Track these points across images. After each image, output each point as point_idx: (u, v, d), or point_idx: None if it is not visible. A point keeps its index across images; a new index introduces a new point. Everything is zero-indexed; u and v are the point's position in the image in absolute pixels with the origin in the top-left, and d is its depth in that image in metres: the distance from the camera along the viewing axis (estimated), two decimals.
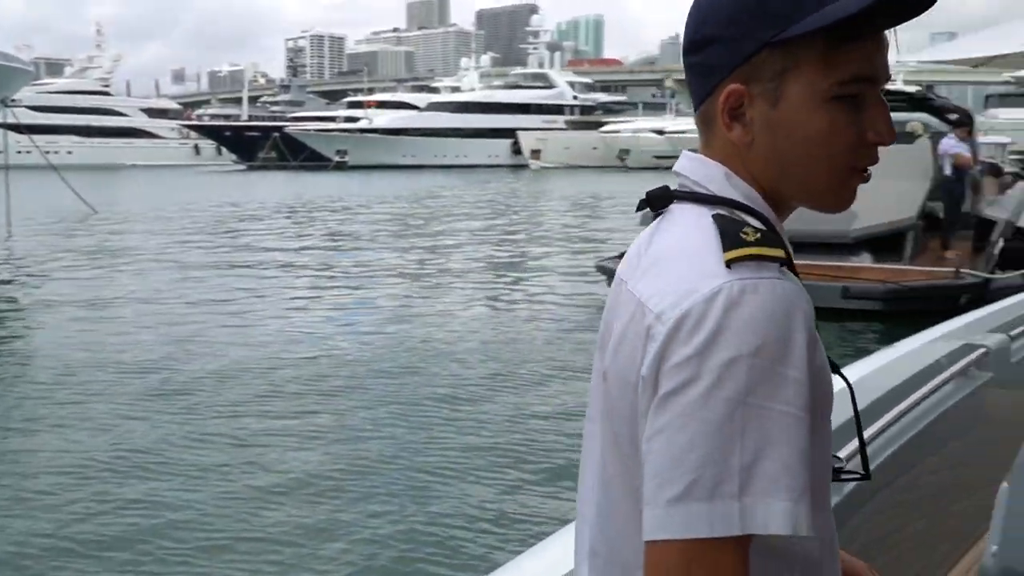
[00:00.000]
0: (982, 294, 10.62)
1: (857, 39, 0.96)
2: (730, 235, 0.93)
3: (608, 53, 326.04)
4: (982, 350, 3.17)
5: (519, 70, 74.17)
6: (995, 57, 11.15)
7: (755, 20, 0.98)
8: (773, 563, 0.94)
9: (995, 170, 16.79)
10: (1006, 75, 26.49)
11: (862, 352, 9.87)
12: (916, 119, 16.09)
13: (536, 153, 54.72)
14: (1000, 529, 1.99)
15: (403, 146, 58.56)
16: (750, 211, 0.99)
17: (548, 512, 5.85)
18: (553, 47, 73.81)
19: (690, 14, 1.04)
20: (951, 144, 12.53)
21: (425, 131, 55.29)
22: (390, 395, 8.52)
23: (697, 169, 1.05)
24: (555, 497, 6.06)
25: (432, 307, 13.19)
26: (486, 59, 79.06)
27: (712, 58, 1.01)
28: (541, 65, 70.86)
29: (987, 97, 44.04)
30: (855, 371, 3.10)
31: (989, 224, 12.68)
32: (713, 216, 0.97)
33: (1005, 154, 23.77)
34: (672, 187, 1.07)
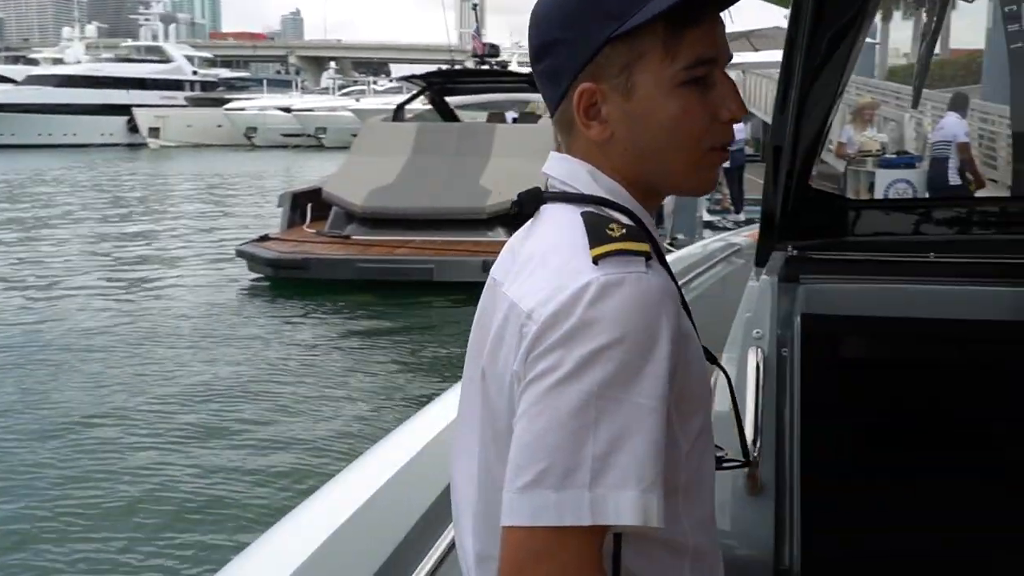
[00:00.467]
0: None
1: (696, 23, 0.96)
2: (596, 232, 0.93)
3: (227, 27, 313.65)
4: (737, 246, 3.62)
5: (130, 42, 69.13)
6: None
7: (593, 18, 0.97)
8: (665, 556, 0.95)
9: None
10: None
11: None
12: (537, 99, 17.14)
13: (155, 131, 51.28)
14: None
15: None
16: (617, 207, 1.00)
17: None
18: (167, 19, 69.24)
19: (530, 24, 1.04)
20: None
21: (25, 107, 49.58)
22: (18, 404, 7.71)
23: (563, 169, 1.04)
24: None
25: (57, 307, 11.81)
26: (92, 29, 72.29)
27: (558, 62, 1.01)
28: (155, 38, 66.42)
29: None
30: None
31: None
32: (582, 214, 0.97)
33: None
34: (541, 188, 1.06)
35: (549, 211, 1.03)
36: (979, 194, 9.78)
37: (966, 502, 2.17)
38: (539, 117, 15.79)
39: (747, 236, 5.13)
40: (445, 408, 2.50)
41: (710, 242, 5.22)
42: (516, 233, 1.09)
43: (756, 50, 12.59)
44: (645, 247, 0.92)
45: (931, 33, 2.78)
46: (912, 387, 2.31)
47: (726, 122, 1.01)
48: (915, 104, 11.36)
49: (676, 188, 1.06)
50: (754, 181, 16.91)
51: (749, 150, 16.30)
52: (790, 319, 1.90)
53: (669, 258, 4.89)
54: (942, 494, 2.18)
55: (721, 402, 1.67)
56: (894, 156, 12.32)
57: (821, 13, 1.68)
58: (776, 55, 13.88)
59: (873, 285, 2.21)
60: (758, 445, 1.46)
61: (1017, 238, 2.46)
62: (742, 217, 14.89)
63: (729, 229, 12.76)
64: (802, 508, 1.43)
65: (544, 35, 1.02)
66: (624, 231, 0.93)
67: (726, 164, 15.57)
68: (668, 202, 11.94)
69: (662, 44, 0.96)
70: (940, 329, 2.08)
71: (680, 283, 3.42)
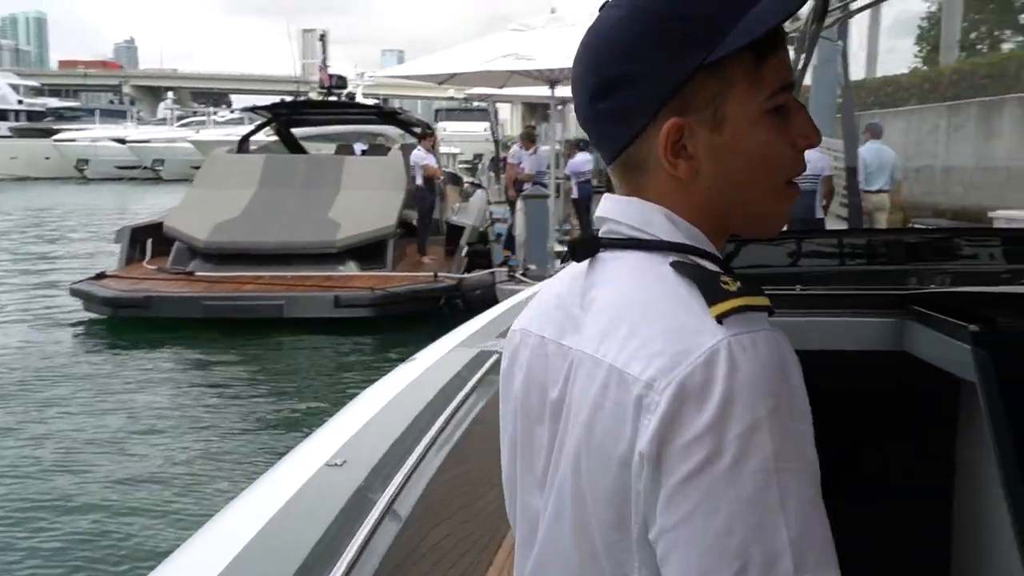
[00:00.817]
0: (456, 293, 11.61)
1: (778, 47, 0.90)
2: (711, 287, 0.83)
3: (55, 55, 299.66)
4: (496, 356, 3.38)
5: None
6: (458, 74, 12.27)
7: (676, 48, 0.88)
8: None
9: (455, 179, 18.42)
10: (451, 91, 29.22)
11: (358, 359, 10.32)
12: (386, 131, 17.08)
13: None
14: None
15: None
16: (702, 253, 0.91)
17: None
18: None
19: (586, 58, 0.93)
20: (421, 155, 13.45)
21: None
22: None
23: (632, 213, 0.93)
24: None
25: None
26: None
27: (632, 97, 0.90)
28: None
29: (436, 111, 48.18)
30: (387, 391, 3.13)
31: (457, 230, 13.87)
32: (673, 264, 0.87)
33: (456, 163, 26.13)
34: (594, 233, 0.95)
35: (619, 260, 0.92)
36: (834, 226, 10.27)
37: (842, 526, 2.22)
38: (388, 149, 15.71)
39: None
40: (322, 445, 2.49)
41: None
42: (554, 282, 1.00)
43: None
44: (767, 301, 0.84)
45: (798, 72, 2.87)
46: None
47: (802, 151, 0.94)
48: None
49: (755, 226, 0.96)
50: None
51: (595, 181, 16.68)
52: None
53: (527, 293, 4.76)
54: None
55: None
56: None
57: None
58: None
59: None
60: None
61: (880, 269, 2.57)
62: None
63: None
64: None
65: (611, 69, 0.90)
66: (739, 284, 0.84)
67: (574, 195, 15.93)
68: (520, 233, 12.07)
69: (750, 70, 0.89)
70: (811, 360, 2.14)
71: None
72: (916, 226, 14.98)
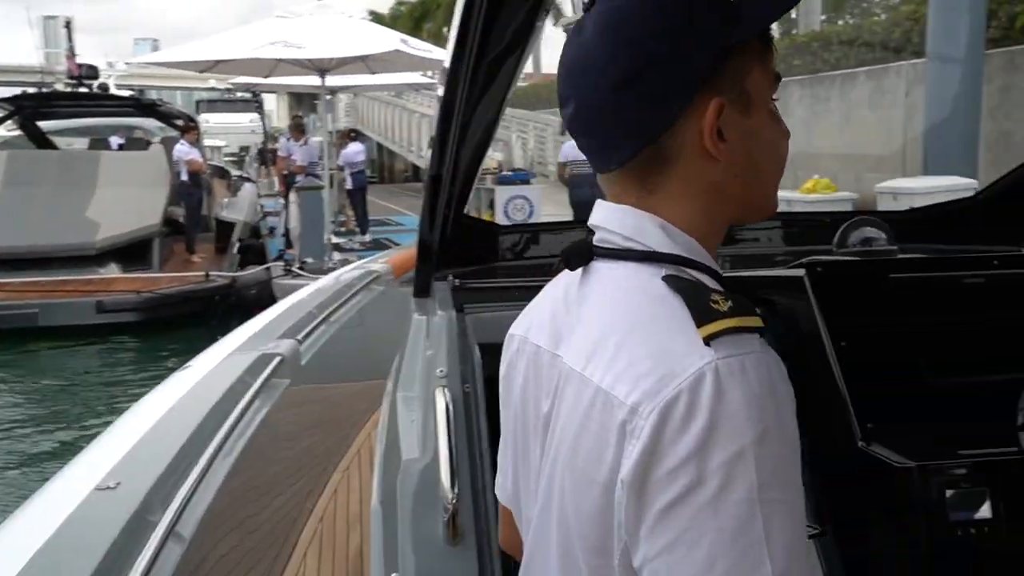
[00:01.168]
0: (229, 292, 11.17)
1: (771, 37, 0.90)
2: (700, 306, 0.80)
3: None
4: (278, 359, 3.26)
5: None
6: (221, 62, 11.74)
7: (708, 25, 0.84)
8: None
9: (222, 173, 17.70)
10: (213, 81, 28.02)
11: (127, 369, 9.71)
12: (146, 125, 16.16)
13: None
14: None
15: None
16: (698, 266, 0.87)
17: None
18: None
19: (605, 46, 0.86)
20: (185, 150, 12.80)
21: None
22: None
23: (626, 222, 0.87)
24: None
25: None
26: None
27: (668, 80, 0.84)
28: None
29: (198, 102, 46.10)
30: (162, 402, 2.95)
31: (227, 226, 13.33)
32: (664, 279, 0.83)
33: (220, 156, 25.18)
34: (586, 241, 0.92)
35: (611, 271, 0.88)
36: None
37: None
38: (148, 143, 14.85)
39: (383, 262, 5.11)
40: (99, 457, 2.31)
41: (347, 270, 5.13)
42: (551, 290, 0.97)
43: (372, 73, 12.77)
44: (759, 321, 0.80)
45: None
46: None
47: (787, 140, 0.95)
48: (563, 131, 12.04)
49: (759, 213, 0.93)
50: (373, 202, 17.22)
51: (368, 172, 16.55)
52: (468, 354, 1.86)
53: (307, 290, 4.59)
54: None
55: (409, 450, 1.60)
56: (510, 173, 13.13)
57: (486, 46, 1.67)
58: (390, 77, 14.17)
59: None
60: (455, 491, 1.40)
61: None
62: (368, 238, 15.07)
63: (357, 250, 12.87)
64: (502, 555, 1.40)
65: (643, 50, 0.84)
66: (731, 303, 0.80)
67: (348, 186, 15.72)
68: (295, 226, 11.77)
69: (761, 55, 0.89)
70: None
71: (324, 315, 3.27)
72: None
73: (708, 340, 0.77)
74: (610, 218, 0.91)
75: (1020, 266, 1.68)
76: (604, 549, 0.81)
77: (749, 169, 0.89)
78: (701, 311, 0.79)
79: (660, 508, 0.75)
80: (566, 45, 0.92)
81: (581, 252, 0.92)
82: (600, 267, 0.90)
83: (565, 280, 0.96)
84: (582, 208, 10.50)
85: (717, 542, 0.73)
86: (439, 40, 32.20)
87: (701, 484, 0.73)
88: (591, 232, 0.93)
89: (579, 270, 0.94)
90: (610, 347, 0.82)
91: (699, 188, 0.88)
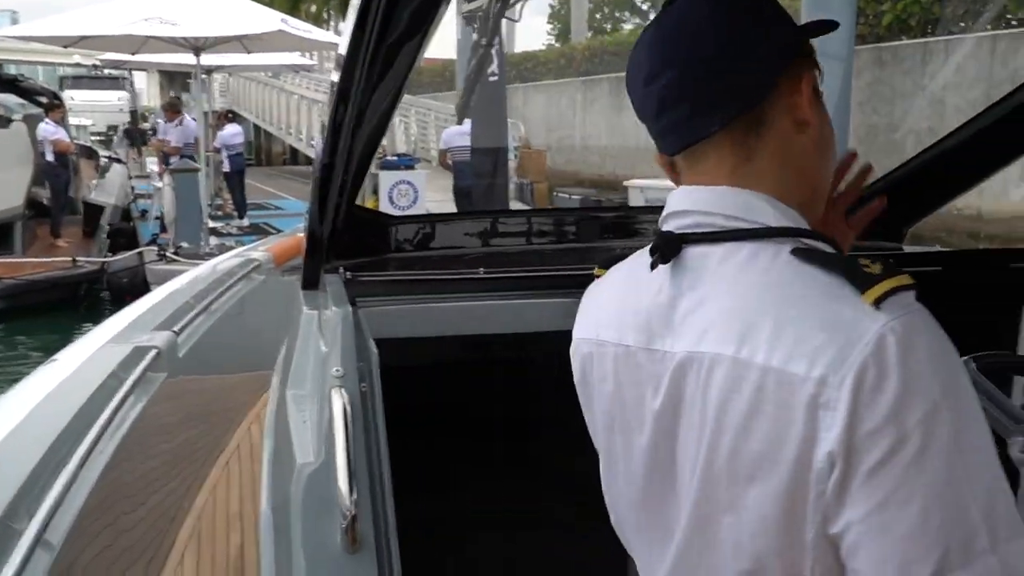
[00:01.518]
0: (99, 279, 10.73)
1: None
2: (856, 273, 0.81)
3: None
4: (154, 351, 3.13)
5: None
6: (87, 38, 11.20)
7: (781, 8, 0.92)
8: None
9: (90, 152, 16.97)
10: (78, 57, 26.79)
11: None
12: (6, 102, 15.31)
13: None
14: None
15: None
16: (814, 236, 0.89)
17: None
18: None
19: (688, 30, 0.90)
20: (50, 129, 12.20)
21: None
22: None
23: (725, 200, 0.88)
24: None
25: None
26: None
27: (772, 42, 0.90)
28: None
29: (62, 79, 44.07)
30: (24, 399, 2.80)
31: (96, 208, 12.80)
32: (795, 252, 0.84)
33: (87, 135, 24.21)
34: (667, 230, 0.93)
35: (726, 254, 0.88)
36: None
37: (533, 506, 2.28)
38: (9, 120, 14.09)
39: (264, 250, 4.95)
40: None
41: (225, 258, 4.95)
42: (611, 288, 0.98)
43: (248, 52, 12.40)
44: (910, 278, 0.81)
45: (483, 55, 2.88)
46: (490, 406, 2.34)
47: None
48: (460, 120, 11.83)
49: (815, 207, 0.97)
50: (251, 185, 16.80)
51: (245, 154, 16.11)
52: (364, 350, 1.80)
53: (184, 278, 4.43)
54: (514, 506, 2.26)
55: (303, 453, 1.53)
56: (394, 158, 12.98)
57: (386, 30, 1.60)
58: (268, 58, 13.76)
59: (436, 305, 2.20)
60: (354, 496, 1.35)
61: (558, 247, 2.63)
62: (246, 222, 14.69)
63: (234, 235, 12.52)
64: (403, 561, 1.36)
65: (743, 20, 0.90)
66: (880, 265, 0.82)
67: (226, 168, 15.28)
68: (170, 210, 11.36)
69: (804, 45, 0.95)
70: (503, 343, 2.15)
71: (202, 305, 3.11)
72: (559, 201, 15.98)
73: (876, 303, 0.79)
74: (706, 200, 0.91)
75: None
76: (793, 526, 0.82)
77: (821, 141, 0.93)
78: (860, 277, 0.81)
79: (866, 470, 0.77)
80: (660, 17, 0.94)
81: (670, 243, 0.91)
82: (699, 252, 0.90)
83: (631, 276, 0.97)
84: (465, 194, 10.49)
85: (929, 497, 0.76)
86: (318, 22, 31.59)
87: (904, 443, 0.76)
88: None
89: (638, 262, 0.97)
90: (766, 327, 0.82)
91: (791, 155, 0.91)
